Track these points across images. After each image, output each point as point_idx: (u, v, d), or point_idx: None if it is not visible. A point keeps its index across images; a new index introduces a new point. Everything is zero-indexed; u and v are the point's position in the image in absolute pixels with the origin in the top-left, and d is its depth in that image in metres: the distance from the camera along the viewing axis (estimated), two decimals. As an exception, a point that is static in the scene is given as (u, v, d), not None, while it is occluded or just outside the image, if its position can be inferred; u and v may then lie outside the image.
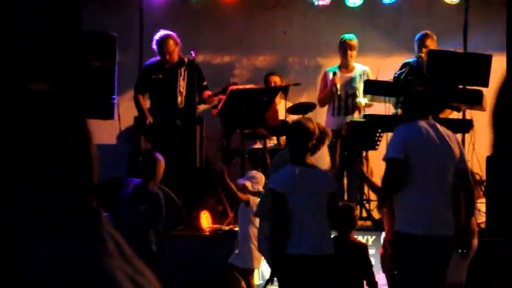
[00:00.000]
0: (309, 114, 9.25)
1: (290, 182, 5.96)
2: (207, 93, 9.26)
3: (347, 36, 9.59)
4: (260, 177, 7.53)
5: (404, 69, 9.10)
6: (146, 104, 9.32)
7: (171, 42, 9.18)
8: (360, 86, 9.41)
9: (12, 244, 1.65)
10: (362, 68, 9.62)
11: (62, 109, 1.73)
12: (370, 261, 6.60)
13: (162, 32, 9.24)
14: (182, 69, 9.24)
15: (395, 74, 9.06)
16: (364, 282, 6.53)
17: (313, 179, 5.98)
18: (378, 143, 8.80)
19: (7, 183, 1.65)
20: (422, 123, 5.94)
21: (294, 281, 5.96)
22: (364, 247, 6.66)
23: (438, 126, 6.01)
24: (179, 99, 9.21)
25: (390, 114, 9.03)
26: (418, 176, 5.81)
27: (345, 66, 9.60)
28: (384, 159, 5.99)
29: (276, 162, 6.77)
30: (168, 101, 9.18)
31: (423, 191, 5.82)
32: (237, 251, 7.45)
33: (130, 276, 1.65)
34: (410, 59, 9.22)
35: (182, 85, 9.22)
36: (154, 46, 9.24)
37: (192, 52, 9.04)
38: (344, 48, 9.54)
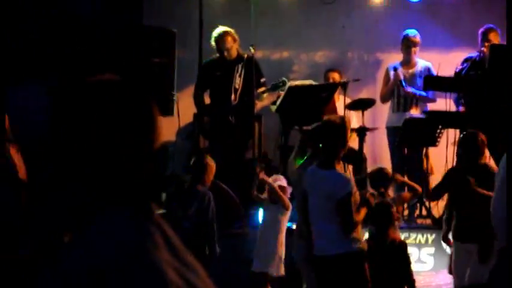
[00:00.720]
0: (369, 110, 9.21)
1: (307, 182, 6.08)
2: (259, 89, 9.23)
3: (410, 32, 9.49)
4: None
5: (465, 64, 8.99)
6: (206, 101, 9.35)
7: (229, 38, 9.19)
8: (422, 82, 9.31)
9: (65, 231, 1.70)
10: (424, 64, 9.50)
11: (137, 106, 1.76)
12: (409, 259, 6.55)
13: (220, 29, 9.26)
14: (239, 66, 9.24)
15: (457, 69, 8.96)
16: None
17: (322, 181, 5.96)
18: (438, 139, 8.70)
19: (74, 174, 1.68)
20: None
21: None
22: (403, 245, 6.60)
23: None
24: (233, 96, 9.20)
25: (451, 110, 8.91)
26: None
27: (407, 62, 9.51)
28: None
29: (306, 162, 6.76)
30: (223, 98, 9.21)
31: None
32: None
33: (178, 271, 1.67)
34: (473, 53, 9.08)
35: (238, 82, 9.21)
36: (212, 43, 9.26)
37: (251, 48, 9.03)
38: (407, 45, 9.45)
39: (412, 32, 9.49)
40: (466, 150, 6.68)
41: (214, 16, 9.95)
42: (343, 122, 6.08)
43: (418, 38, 9.47)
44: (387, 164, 9.32)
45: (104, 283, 1.60)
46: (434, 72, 9.24)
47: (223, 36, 9.19)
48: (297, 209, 6.82)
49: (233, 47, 9.22)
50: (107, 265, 1.62)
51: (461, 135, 7.02)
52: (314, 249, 6.04)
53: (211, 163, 7.33)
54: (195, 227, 7.02)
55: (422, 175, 8.81)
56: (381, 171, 7.10)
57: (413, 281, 6.49)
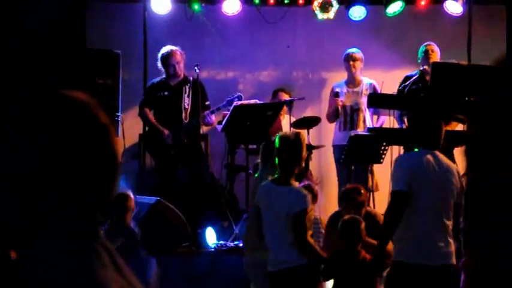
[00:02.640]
0: (314, 128, 9.28)
1: (262, 197, 6.06)
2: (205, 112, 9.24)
3: (350, 50, 9.61)
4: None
5: (407, 82, 9.10)
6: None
7: (177, 54, 9.23)
8: (365, 100, 9.43)
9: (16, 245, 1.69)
10: (369, 82, 9.61)
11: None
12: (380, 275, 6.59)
13: (167, 47, 9.28)
14: (187, 87, 9.25)
15: (399, 86, 9.07)
16: None
17: (279, 197, 5.93)
18: (383, 156, 8.79)
19: (31, 188, 1.67)
20: (426, 154, 5.89)
21: None
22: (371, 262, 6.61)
23: (441, 157, 5.95)
24: (184, 115, 9.21)
25: (395, 127, 9.01)
26: (418, 206, 5.80)
27: (351, 81, 9.60)
28: (391, 191, 5.96)
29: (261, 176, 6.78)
30: (173, 117, 9.19)
31: (422, 223, 5.80)
32: None
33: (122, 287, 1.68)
34: (412, 72, 9.21)
35: (187, 102, 9.22)
36: (159, 62, 9.27)
37: (196, 68, 9.05)
38: (348, 61, 9.55)
39: (352, 49, 9.60)
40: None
41: (159, 37, 9.96)
42: (298, 137, 6.07)
43: (359, 54, 9.58)
44: (334, 181, 9.42)
45: None
46: (379, 90, 9.35)
47: (171, 53, 9.22)
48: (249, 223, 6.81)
49: (180, 63, 9.24)
50: (52, 282, 1.62)
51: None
52: (269, 264, 6.02)
53: (130, 194, 7.15)
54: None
55: (366, 191, 8.90)
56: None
57: None
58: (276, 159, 6.08)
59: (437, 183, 5.80)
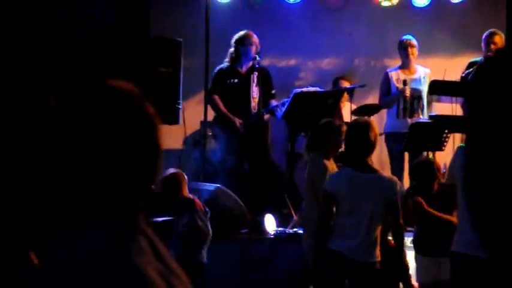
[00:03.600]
0: (375, 116, 9.23)
1: (341, 185, 5.95)
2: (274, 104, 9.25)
3: (405, 37, 9.51)
4: None
5: (471, 69, 9.00)
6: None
7: (255, 36, 9.21)
8: (424, 88, 9.34)
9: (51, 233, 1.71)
10: (424, 70, 9.52)
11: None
12: (407, 265, 6.60)
13: (242, 31, 9.26)
14: (255, 75, 9.22)
15: (463, 73, 8.97)
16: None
17: (366, 184, 5.89)
18: (445, 144, 8.71)
19: (68, 180, 1.69)
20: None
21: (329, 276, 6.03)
22: (400, 249, 6.60)
23: None
24: (253, 104, 9.21)
25: (457, 115, 8.92)
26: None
27: (406, 67, 9.50)
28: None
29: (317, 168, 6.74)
30: (243, 106, 9.16)
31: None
32: None
33: (162, 274, 1.69)
34: (477, 58, 9.10)
35: (255, 91, 9.20)
36: (233, 45, 9.20)
37: (257, 56, 9.06)
38: (404, 47, 9.45)
39: (408, 36, 9.50)
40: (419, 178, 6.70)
41: (220, 26, 10.01)
42: (371, 125, 6.05)
43: (414, 41, 9.46)
44: (387, 170, 9.37)
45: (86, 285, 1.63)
46: (433, 78, 9.23)
47: (249, 33, 9.18)
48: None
49: (256, 46, 9.22)
50: (87, 268, 1.65)
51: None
52: (348, 251, 5.92)
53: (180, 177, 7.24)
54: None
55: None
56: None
57: (413, 286, 6.53)
58: (349, 146, 6.07)
59: None
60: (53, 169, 1.71)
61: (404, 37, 9.51)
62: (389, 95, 9.44)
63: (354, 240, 5.87)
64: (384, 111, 9.57)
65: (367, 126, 6.01)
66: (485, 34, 9.19)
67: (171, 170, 7.26)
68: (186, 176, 7.23)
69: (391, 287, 6.43)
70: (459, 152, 5.94)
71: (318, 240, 6.08)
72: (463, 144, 6.60)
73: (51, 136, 1.71)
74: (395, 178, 6.11)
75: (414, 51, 9.45)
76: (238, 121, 9.05)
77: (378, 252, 5.92)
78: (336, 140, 6.69)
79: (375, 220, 5.87)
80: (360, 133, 5.95)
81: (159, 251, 1.75)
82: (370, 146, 5.96)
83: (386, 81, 9.53)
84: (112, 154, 1.71)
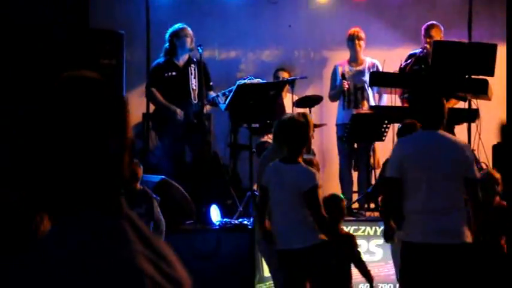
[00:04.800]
0: (316, 107, 9.35)
1: (271, 177, 6.17)
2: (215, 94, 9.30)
3: (354, 28, 9.64)
4: None
5: (409, 60, 9.17)
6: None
7: (189, 30, 9.22)
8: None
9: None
10: (371, 61, 9.65)
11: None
12: (358, 251, 6.70)
13: (177, 24, 9.26)
14: (192, 68, 9.23)
15: (401, 65, 9.12)
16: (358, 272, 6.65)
17: (287, 174, 6.07)
18: (385, 134, 8.87)
19: (48, 179, 1.70)
20: (424, 135, 6.00)
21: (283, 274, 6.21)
22: (351, 237, 6.73)
23: (443, 136, 5.98)
24: (192, 95, 9.21)
25: (396, 105, 9.09)
26: (414, 189, 5.88)
27: (354, 59, 9.63)
28: (384, 176, 6.10)
29: (266, 155, 6.86)
30: (182, 98, 9.15)
31: (420, 202, 5.87)
32: None
33: (151, 260, 1.70)
34: (416, 50, 9.27)
35: (194, 82, 9.21)
36: (169, 39, 9.16)
37: (199, 48, 9.07)
38: (352, 39, 9.58)
39: (356, 28, 9.64)
40: None
41: (161, 17, 10.00)
42: (306, 119, 6.25)
43: (363, 34, 9.61)
44: (335, 160, 9.51)
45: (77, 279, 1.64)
46: (381, 69, 9.40)
47: (184, 27, 9.17)
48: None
49: (191, 39, 9.24)
50: (78, 262, 1.65)
51: (400, 126, 7.22)
52: (278, 243, 6.13)
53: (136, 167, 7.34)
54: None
55: (369, 169, 9.04)
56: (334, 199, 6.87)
57: (369, 271, 6.65)
58: (284, 139, 6.21)
59: (433, 163, 5.86)
60: (39, 164, 1.71)
61: (352, 29, 9.64)
62: (335, 89, 9.59)
63: (280, 226, 6.09)
64: (326, 103, 9.68)
65: (301, 119, 6.19)
66: (424, 26, 9.36)
67: None
68: (141, 166, 7.30)
69: (342, 274, 6.53)
70: (402, 145, 6.10)
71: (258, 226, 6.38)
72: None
73: (36, 134, 1.72)
74: (311, 169, 6.20)
75: (361, 43, 9.58)
76: (179, 111, 9.05)
77: (316, 235, 6.04)
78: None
79: (296, 207, 6.03)
80: (293, 130, 6.14)
81: (145, 235, 1.75)
82: (302, 141, 6.18)
83: (333, 74, 9.66)
84: (90, 144, 1.71)
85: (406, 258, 5.92)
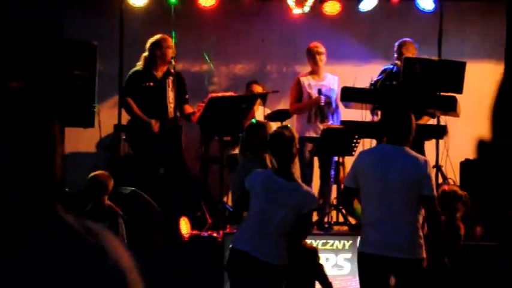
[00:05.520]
0: (287, 121, 9.41)
1: (258, 184, 6.00)
2: (188, 109, 9.28)
3: (314, 43, 9.68)
4: None
5: (381, 76, 9.26)
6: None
7: (170, 40, 9.20)
8: (333, 94, 9.55)
9: None
10: (333, 77, 9.72)
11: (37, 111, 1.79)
12: (321, 264, 6.73)
13: (158, 35, 9.25)
14: (169, 80, 9.16)
15: (372, 80, 9.20)
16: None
17: (286, 191, 5.93)
18: (355, 149, 8.94)
19: None
20: (383, 149, 6.11)
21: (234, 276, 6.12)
22: (315, 251, 6.75)
23: (403, 152, 6.02)
24: (169, 109, 9.14)
25: (367, 120, 9.17)
26: (367, 201, 6.03)
27: (316, 73, 9.68)
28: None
29: (242, 168, 6.81)
30: (158, 110, 9.09)
31: (371, 214, 5.99)
32: None
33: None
34: (390, 65, 9.35)
35: (171, 95, 9.15)
36: (148, 48, 9.14)
37: (171, 60, 9.09)
38: (312, 54, 9.64)
39: (316, 43, 9.66)
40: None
41: (135, 29, 10.04)
42: (292, 133, 6.12)
43: (321, 49, 9.64)
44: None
45: None
46: (340, 85, 9.40)
47: (164, 37, 9.15)
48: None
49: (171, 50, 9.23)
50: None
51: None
52: (254, 250, 5.94)
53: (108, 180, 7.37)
54: None
55: (336, 183, 9.11)
56: None
57: (330, 283, 6.69)
58: (272, 153, 6.13)
59: (386, 178, 5.93)
60: None
61: (312, 44, 9.69)
62: (301, 101, 9.59)
63: (259, 240, 5.92)
64: (296, 117, 9.73)
65: (289, 134, 6.12)
66: (396, 42, 9.43)
67: (99, 172, 7.36)
68: (112, 179, 7.33)
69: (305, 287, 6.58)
70: (360, 156, 6.22)
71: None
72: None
73: None
74: (312, 192, 6.26)
75: (322, 58, 9.61)
76: (154, 122, 9.03)
77: (285, 256, 6.01)
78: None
79: (283, 226, 5.91)
80: (284, 145, 6.06)
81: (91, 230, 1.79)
82: (293, 156, 6.09)
83: (298, 86, 9.66)
84: (17, 153, 1.73)
85: (360, 267, 6.08)
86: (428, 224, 6.03)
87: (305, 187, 6.06)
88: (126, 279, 1.74)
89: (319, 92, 9.44)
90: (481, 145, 9.56)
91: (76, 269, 1.68)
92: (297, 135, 6.21)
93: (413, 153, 6.11)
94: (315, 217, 8.90)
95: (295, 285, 6.39)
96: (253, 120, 6.51)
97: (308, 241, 6.81)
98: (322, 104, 9.41)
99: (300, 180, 6.07)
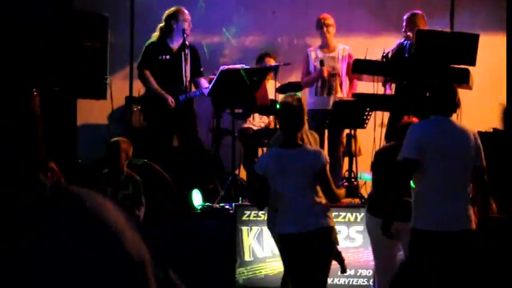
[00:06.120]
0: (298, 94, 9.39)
1: (269, 164, 6.07)
2: (203, 82, 9.24)
3: (322, 15, 9.66)
4: None
5: (394, 48, 9.23)
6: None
7: (186, 12, 9.18)
8: (342, 66, 9.52)
9: None
10: (344, 48, 9.69)
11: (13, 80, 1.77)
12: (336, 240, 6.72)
13: (176, 6, 9.20)
14: (185, 53, 9.07)
15: (384, 53, 9.17)
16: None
17: (295, 159, 6.00)
18: (367, 121, 8.93)
19: None
20: (439, 121, 6.01)
21: (288, 259, 6.19)
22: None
23: (456, 123, 6.04)
24: (185, 83, 9.07)
25: (379, 93, 9.14)
26: (429, 174, 5.90)
27: (326, 45, 9.66)
28: (398, 159, 6.02)
29: (271, 144, 6.81)
30: (174, 84, 9.01)
31: (434, 189, 5.90)
32: None
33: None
34: (401, 39, 9.31)
35: (187, 69, 9.08)
36: (165, 20, 9.09)
37: (184, 34, 9.06)
38: (320, 26, 9.61)
39: (324, 15, 9.63)
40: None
41: (145, 1, 10.01)
42: (300, 103, 6.13)
43: (331, 20, 9.60)
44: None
45: None
46: (354, 56, 9.39)
47: (181, 9, 9.11)
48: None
49: (189, 24, 9.17)
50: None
51: (400, 126, 7.05)
52: (291, 226, 6.05)
53: (123, 143, 7.43)
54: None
55: (349, 155, 9.09)
56: None
57: (343, 259, 6.70)
58: (281, 123, 6.18)
59: (447, 149, 5.89)
60: None
61: (321, 15, 9.66)
62: (309, 74, 9.60)
63: (291, 211, 6.02)
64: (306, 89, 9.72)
65: (296, 104, 6.13)
66: (406, 15, 9.40)
67: (119, 138, 7.43)
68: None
69: (322, 262, 6.57)
70: (419, 128, 6.08)
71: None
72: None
73: None
74: (319, 149, 6.29)
75: (330, 30, 9.59)
76: (170, 99, 8.99)
77: (330, 219, 6.08)
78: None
79: (306, 191, 6.01)
80: (290, 111, 6.09)
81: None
82: (299, 123, 6.10)
83: (306, 60, 9.67)
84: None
85: (424, 247, 5.90)
86: (483, 194, 6.01)
87: (310, 148, 6.13)
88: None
89: (321, 63, 9.43)
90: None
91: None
92: (305, 105, 6.23)
93: (463, 124, 6.12)
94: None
95: (312, 262, 6.40)
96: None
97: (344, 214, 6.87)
98: (325, 75, 9.39)
99: (308, 145, 6.12)
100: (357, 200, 8.64)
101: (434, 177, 5.88)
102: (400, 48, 9.17)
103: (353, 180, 8.91)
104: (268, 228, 6.77)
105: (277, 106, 6.32)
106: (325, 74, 9.41)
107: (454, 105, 6.05)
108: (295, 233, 6.01)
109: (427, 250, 5.90)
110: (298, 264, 6.06)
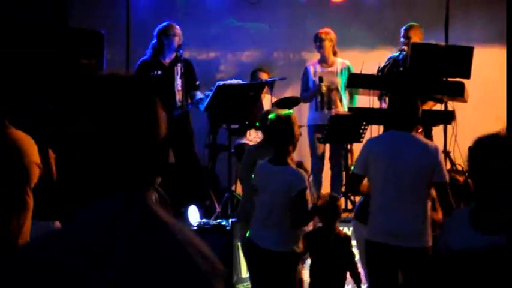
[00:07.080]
0: (294, 109, 9.39)
1: (256, 176, 6.18)
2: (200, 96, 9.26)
3: (320, 29, 9.68)
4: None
5: (388, 62, 9.25)
6: None
7: (177, 27, 9.20)
8: (341, 80, 9.55)
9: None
10: (342, 62, 9.71)
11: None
12: (353, 253, 6.74)
13: (164, 23, 9.24)
14: (178, 67, 9.15)
15: (379, 67, 9.19)
16: (348, 273, 6.68)
17: (277, 176, 6.01)
18: (363, 135, 8.94)
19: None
20: (394, 135, 6.02)
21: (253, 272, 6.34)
22: (348, 238, 6.79)
23: (414, 138, 6.00)
24: (178, 97, 9.15)
25: (374, 107, 9.16)
26: (375, 188, 5.99)
27: (325, 60, 9.68)
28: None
29: (254, 154, 6.79)
30: (166, 99, 8.99)
31: (382, 203, 5.94)
32: None
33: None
34: (396, 53, 9.34)
35: (179, 83, 9.14)
36: (157, 36, 9.13)
37: (180, 50, 9.09)
38: (317, 40, 9.64)
39: (322, 29, 9.66)
40: None
41: (141, 17, 10.03)
42: (289, 117, 6.16)
43: (330, 35, 9.64)
44: (307, 161, 9.59)
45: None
46: (353, 70, 9.44)
47: (172, 24, 9.14)
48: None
49: (179, 37, 9.23)
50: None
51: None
52: (257, 238, 6.12)
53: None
54: None
55: (345, 170, 9.10)
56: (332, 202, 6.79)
57: (359, 274, 6.69)
58: (270, 139, 6.20)
59: (397, 166, 5.88)
60: (81, 153, 1.82)
61: (320, 30, 9.68)
62: (308, 90, 9.63)
63: (260, 229, 6.09)
64: (304, 104, 9.73)
65: (288, 120, 6.15)
66: (403, 27, 9.43)
67: None
68: None
69: (338, 275, 6.59)
70: (370, 143, 6.17)
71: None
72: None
73: (78, 127, 1.82)
74: (301, 171, 6.17)
75: (326, 44, 9.61)
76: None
77: (299, 244, 6.08)
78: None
79: (283, 211, 6.01)
80: (281, 127, 6.10)
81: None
82: (289, 140, 6.11)
83: (305, 75, 9.70)
84: (125, 138, 1.83)
85: (368, 256, 6.06)
86: (443, 210, 5.98)
87: (292, 169, 6.07)
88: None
89: (320, 79, 9.45)
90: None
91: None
92: (296, 121, 6.23)
93: (423, 139, 6.09)
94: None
95: (327, 273, 6.43)
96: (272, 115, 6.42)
97: (341, 228, 6.89)
98: (323, 91, 9.42)
99: (292, 164, 6.12)
100: (352, 215, 8.63)
101: (379, 191, 5.94)
102: (394, 61, 9.18)
103: (349, 194, 8.90)
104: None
105: (268, 119, 6.31)
106: (323, 90, 9.43)
107: (413, 119, 6.01)
108: (251, 239, 6.15)
109: (369, 258, 6.04)
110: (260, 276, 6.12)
